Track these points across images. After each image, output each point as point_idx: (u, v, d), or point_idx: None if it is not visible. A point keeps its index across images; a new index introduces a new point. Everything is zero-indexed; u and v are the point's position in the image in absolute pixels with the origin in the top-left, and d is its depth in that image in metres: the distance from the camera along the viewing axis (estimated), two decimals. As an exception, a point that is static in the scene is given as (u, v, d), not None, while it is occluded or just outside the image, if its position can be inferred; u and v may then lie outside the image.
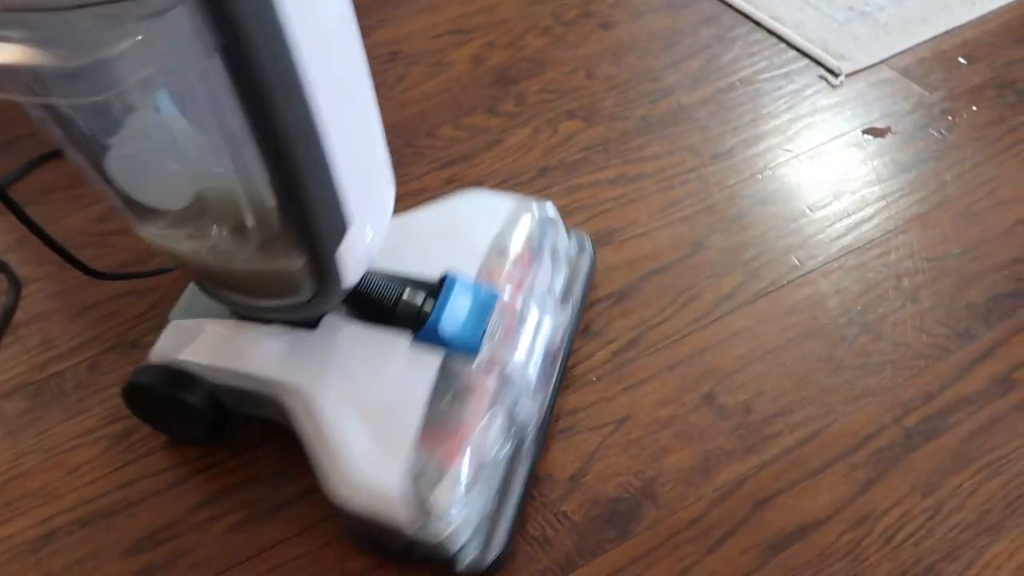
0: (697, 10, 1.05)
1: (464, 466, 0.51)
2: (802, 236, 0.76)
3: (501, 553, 0.54)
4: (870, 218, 0.77)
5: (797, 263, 0.73)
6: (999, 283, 0.70)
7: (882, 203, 0.78)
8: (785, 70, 0.94)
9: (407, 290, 0.57)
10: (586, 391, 0.65)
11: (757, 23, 1.02)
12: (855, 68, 0.94)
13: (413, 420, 0.52)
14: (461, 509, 0.51)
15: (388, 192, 0.54)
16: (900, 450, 0.60)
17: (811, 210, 0.78)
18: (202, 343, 0.58)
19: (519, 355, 0.57)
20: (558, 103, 0.92)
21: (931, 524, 0.56)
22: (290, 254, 0.48)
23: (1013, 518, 0.56)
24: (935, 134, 0.85)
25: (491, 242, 0.61)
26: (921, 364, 0.65)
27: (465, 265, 0.59)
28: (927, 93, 0.89)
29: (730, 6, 1.05)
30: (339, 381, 0.54)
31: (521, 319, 0.59)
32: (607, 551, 0.56)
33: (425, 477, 0.50)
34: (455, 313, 0.56)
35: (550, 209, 0.67)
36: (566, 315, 0.64)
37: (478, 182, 0.83)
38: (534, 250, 0.63)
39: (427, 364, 0.54)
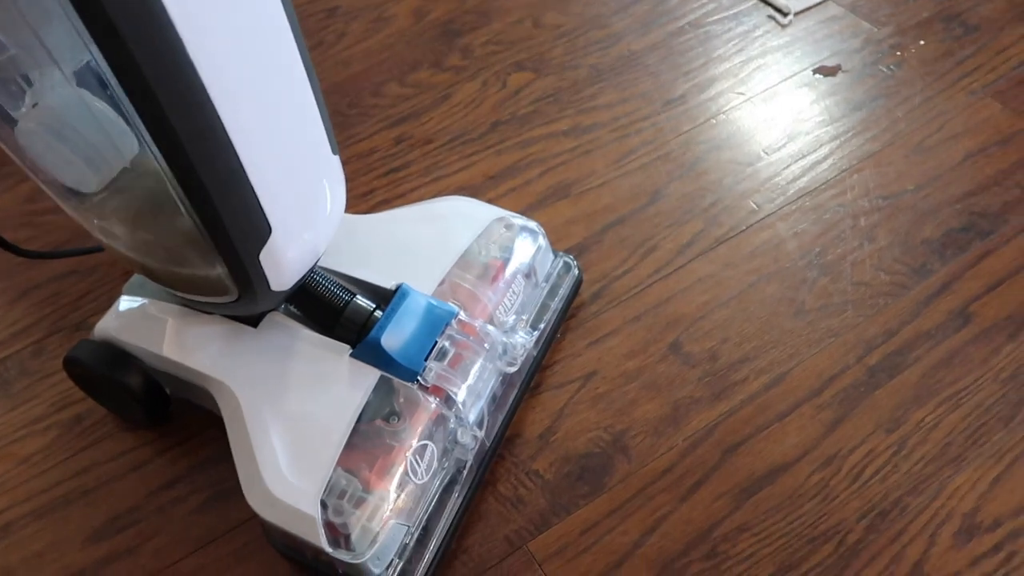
0: (643, -48, 1.02)
1: (389, 491, 0.49)
2: (759, 180, 0.75)
3: None
4: (824, 158, 0.77)
5: (755, 207, 0.73)
6: (953, 217, 0.71)
7: (835, 143, 0.78)
8: (734, 11, 0.93)
9: (356, 298, 0.54)
10: (551, 348, 0.64)
11: (704, -36, 1.00)
12: (803, 6, 0.93)
13: (336, 438, 0.48)
14: (381, 535, 0.48)
15: (334, 191, 0.49)
16: (864, 388, 0.61)
17: (766, 153, 0.78)
18: (143, 325, 0.56)
19: (469, 380, 0.53)
20: (506, 55, 0.89)
21: (896, 459, 0.57)
22: (207, 257, 0.45)
23: (974, 448, 0.57)
24: (884, 70, 0.84)
25: (461, 254, 0.58)
26: (880, 302, 0.66)
27: (427, 276, 0.56)
28: (875, 29, 0.89)
29: (676, -53, 1.02)
30: (268, 386, 0.51)
31: (479, 341, 0.54)
32: (581, 507, 0.56)
33: (345, 498, 0.48)
34: (401, 328, 0.52)
35: (533, 225, 0.63)
36: (532, 339, 0.58)
37: (427, 140, 0.81)
38: (507, 267, 0.60)
39: (362, 380, 0.51)
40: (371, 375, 0.51)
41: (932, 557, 0.53)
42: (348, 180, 0.77)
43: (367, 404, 0.50)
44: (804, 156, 0.77)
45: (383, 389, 0.51)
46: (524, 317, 0.60)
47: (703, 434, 0.59)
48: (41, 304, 0.69)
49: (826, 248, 0.70)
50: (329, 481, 0.47)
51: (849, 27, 0.90)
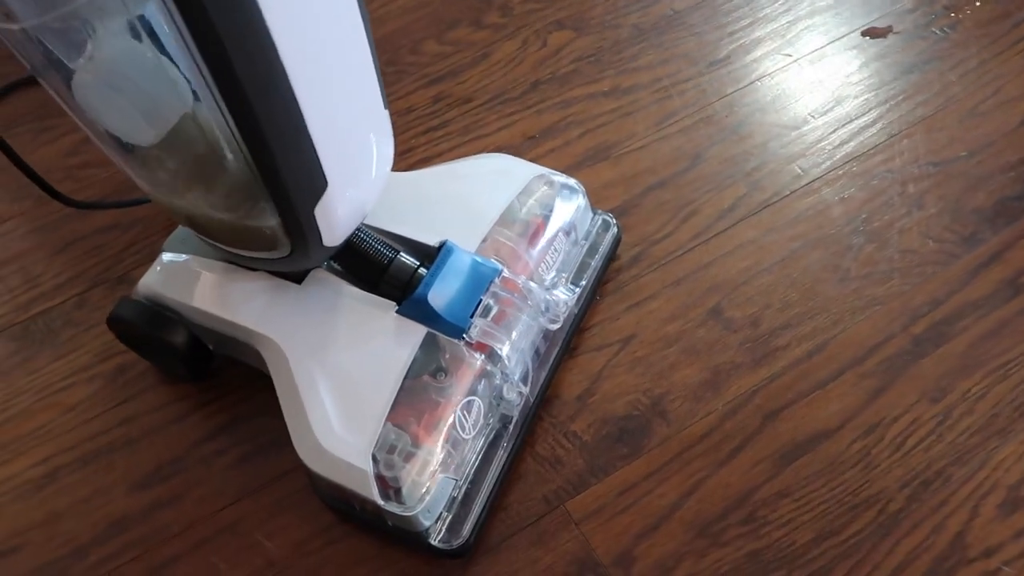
0: (688, -92, 0.99)
1: (437, 446, 0.49)
2: (804, 144, 0.74)
3: (470, 536, 0.52)
4: (873, 123, 0.75)
5: (800, 172, 0.72)
6: (1006, 185, 0.69)
7: (885, 107, 0.76)
8: (782, -30, 0.90)
9: (400, 255, 0.54)
10: (590, 311, 0.64)
11: (751, -79, 0.97)
12: (854, -34, 0.90)
13: (386, 393, 0.49)
14: (431, 488, 0.49)
15: (384, 150, 0.50)
16: (909, 358, 0.60)
17: (813, 117, 0.76)
18: (186, 283, 0.56)
19: (513, 336, 0.53)
20: (545, 12, 0.88)
21: (941, 430, 0.56)
22: (263, 210, 0.45)
23: (1021, 421, 0.56)
24: (937, 32, 0.82)
25: (502, 211, 0.58)
26: (928, 271, 0.64)
27: (470, 233, 0.56)
28: (929, -10, 0.86)
29: (722, -97, 0.99)
30: (315, 342, 0.52)
31: (522, 298, 0.54)
32: (619, 468, 0.56)
33: (395, 453, 0.48)
34: (447, 285, 0.52)
35: (573, 183, 0.62)
36: (574, 296, 0.59)
37: (466, 99, 0.80)
38: (548, 225, 0.60)
39: (409, 336, 0.51)
40: (418, 331, 0.51)
41: (975, 528, 0.52)
42: (387, 138, 0.77)
43: (414, 360, 0.50)
44: (852, 120, 0.75)
45: (429, 345, 0.51)
46: (565, 275, 0.60)
47: (743, 400, 0.59)
48: (84, 256, 0.70)
49: (873, 214, 0.68)
50: (380, 436, 0.48)
51: (901, -13, 0.87)
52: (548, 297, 0.56)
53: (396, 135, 0.76)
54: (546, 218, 0.60)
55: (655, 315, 0.63)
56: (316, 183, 0.43)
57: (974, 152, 0.71)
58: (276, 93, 0.37)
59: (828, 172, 0.71)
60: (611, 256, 0.65)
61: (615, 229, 0.65)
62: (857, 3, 0.86)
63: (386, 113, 0.49)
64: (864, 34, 0.83)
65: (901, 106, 0.76)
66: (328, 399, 0.49)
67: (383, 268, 0.53)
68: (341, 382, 0.50)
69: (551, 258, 0.59)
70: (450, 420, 0.50)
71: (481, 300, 0.52)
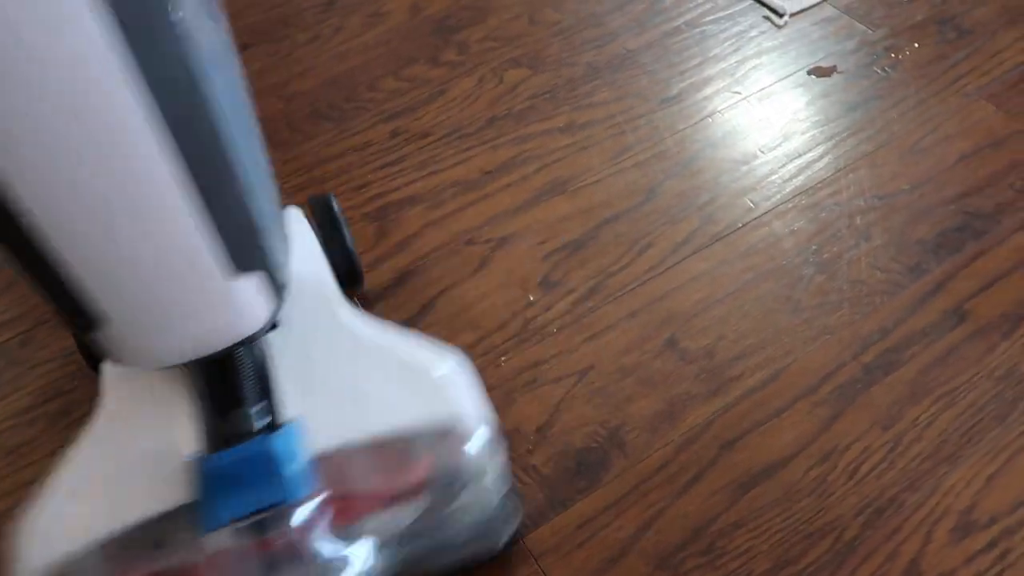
0: (639, -48, 1.02)
1: None
2: (754, 178, 0.75)
3: None
4: (820, 158, 0.77)
5: (751, 205, 0.73)
6: (947, 217, 0.71)
7: (831, 143, 0.78)
8: (729, 11, 0.93)
9: (258, 406, 0.45)
10: (548, 343, 0.64)
11: (699, -36, 1.00)
12: (799, 7, 0.93)
13: (101, 530, 0.43)
14: None
15: (236, 296, 0.39)
16: (860, 386, 0.61)
17: (762, 152, 0.78)
18: None
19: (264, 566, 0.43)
20: (502, 51, 0.89)
21: (892, 456, 0.57)
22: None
23: (969, 446, 0.57)
24: (879, 72, 0.85)
25: (384, 433, 0.46)
26: (876, 301, 0.66)
27: (331, 431, 0.45)
28: (870, 31, 0.89)
29: (672, -52, 1.03)
30: (90, 446, 0.46)
31: (293, 549, 0.43)
32: (577, 501, 0.56)
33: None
34: (239, 469, 0.42)
35: (497, 460, 0.48)
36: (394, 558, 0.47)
37: (423, 135, 0.80)
38: (424, 484, 0.46)
39: (167, 491, 0.43)
40: (178, 494, 0.43)
41: (928, 554, 0.53)
42: (344, 173, 0.77)
43: (152, 520, 0.43)
44: (800, 155, 0.77)
45: (175, 517, 0.43)
46: (400, 548, 0.47)
47: (699, 430, 0.59)
48: (28, 294, 0.68)
49: (822, 246, 0.70)
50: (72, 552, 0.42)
51: (844, 29, 0.90)
52: (334, 556, 0.44)
53: (353, 169, 0.77)
54: (430, 476, 0.46)
55: (612, 346, 0.64)
56: (84, 316, 0.36)
57: (916, 186, 0.74)
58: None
59: (778, 205, 0.73)
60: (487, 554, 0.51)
61: (516, 524, 0.51)
62: (803, 43, 0.89)
63: (264, 227, 0.40)
64: (810, 73, 0.86)
65: (846, 142, 0.78)
66: (65, 498, 0.44)
67: (224, 409, 0.45)
68: (81, 492, 0.44)
69: (393, 521, 0.46)
70: None
71: (255, 513, 0.42)
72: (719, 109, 0.82)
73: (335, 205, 0.62)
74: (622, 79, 0.86)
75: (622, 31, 0.91)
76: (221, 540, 0.42)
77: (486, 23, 0.93)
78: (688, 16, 0.93)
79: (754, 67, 0.87)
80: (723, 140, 0.79)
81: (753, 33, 0.91)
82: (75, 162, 0.30)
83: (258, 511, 0.42)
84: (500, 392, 0.61)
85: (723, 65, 0.87)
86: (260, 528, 0.43)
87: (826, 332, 0.64)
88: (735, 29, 0.91)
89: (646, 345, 0.64)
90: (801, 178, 0.75)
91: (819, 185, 0.74)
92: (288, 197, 0.75)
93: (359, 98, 0.84)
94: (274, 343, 0.47)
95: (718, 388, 0.61)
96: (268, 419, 0.45)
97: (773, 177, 0.75)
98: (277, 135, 0.81)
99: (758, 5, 0.94)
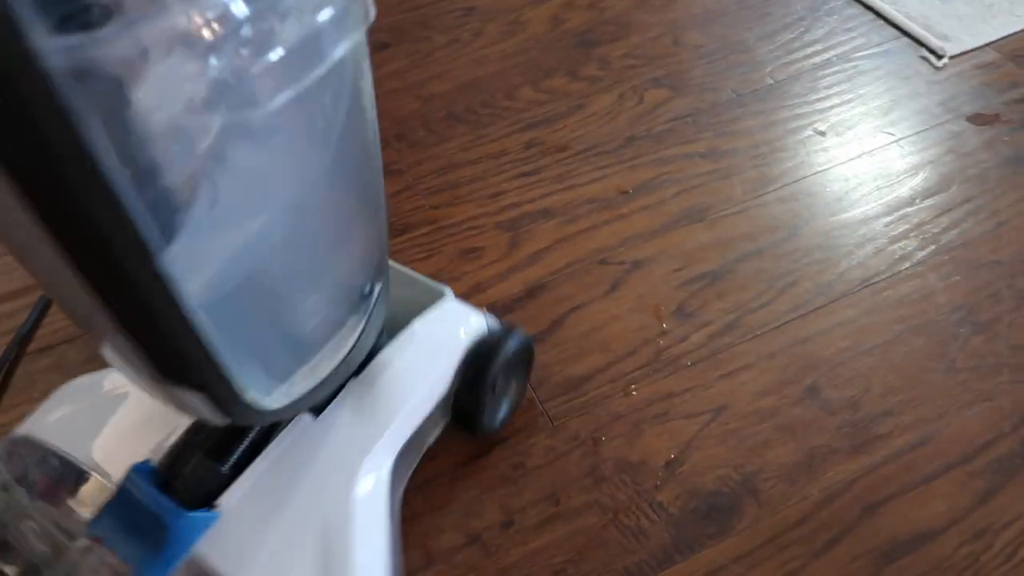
0: (789, -20, 0.99)
1: None
2: (908, 225, 0.71)
3: None
4: (979, 210, 0.72)
5: (903, 253, 0.69)
6: (1124, 288, 0.66)
7: (991, 195, 0.73)
8: (884, 48, 0.89)
9: (198, 458, 0.43)
10: (681, 375, 0.61)
11: (853, -3, 0.96)
12: (959, 50, 0.88)
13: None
14: None
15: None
16: (1020, 460, 0.56)
17: (917, 198, 0.73)
18: None
19: None
20: (643, 70, 0.87)
21: (1056, 542, 0.52)
22: None
23: None
24: (1047, 125, 0.79)
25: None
26: (1040, 369, 0.61)
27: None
28: (1039, 81, 0.84)
29: (824, -22, 0.99)
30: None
31: None
32: (707, 547, 0.53)
33: None
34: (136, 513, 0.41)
35: None
36: None
37: (560, 148, 0.79)
38: None
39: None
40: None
41: (1094, 656, 0.48)
42: (478, 180, 0.76)
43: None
44: (958, 206, 0.73)
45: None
46: None
47: (840, 487, 0.55)
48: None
49: (980, 305, 0.65)
50: None
51: (1008, 76, 0.85)
52: None
53: (488, 176, 0.76)
54: None
55: (748, 387, 0.61)
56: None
57: (1090, 250, 0.68)
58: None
59: (933, 256, 0.69)
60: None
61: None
62: (963, 88, 0.84)
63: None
64: (970, 120, 0.81)
65: (1008, 196, 0.73)
66: None
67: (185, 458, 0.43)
68: None
69: None
70: None
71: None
72: (870, 149, 0.78)
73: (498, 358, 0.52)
74: (768, 108, 0.82)
75: (770, 60, 0.88)
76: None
77: (628, 40, 0.91)
78: (840, 50, 0.89)
79: (909, 109, 0.82)
80: (874, 182, 0.75)
81: (908, 73, 0.86)
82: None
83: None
84: (627, 421, 0.59)
85: (875, 103, 0.83)
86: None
87: (983, 398, 0.59)
88: (889, 67, 0.87)
89: (785, 390, 0.60)
90: (958, 230, 0.71)
91: (978, 240, 0.70)
92: (423, 198, 0.74)
93: (496, 105, 0.84)
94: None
95: (862, 445, 0.57)
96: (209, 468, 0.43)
97: (928, 226, 0.71)
98: (413, 134, 0.81)
99: (915, 44, 0.89)
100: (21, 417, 0.59)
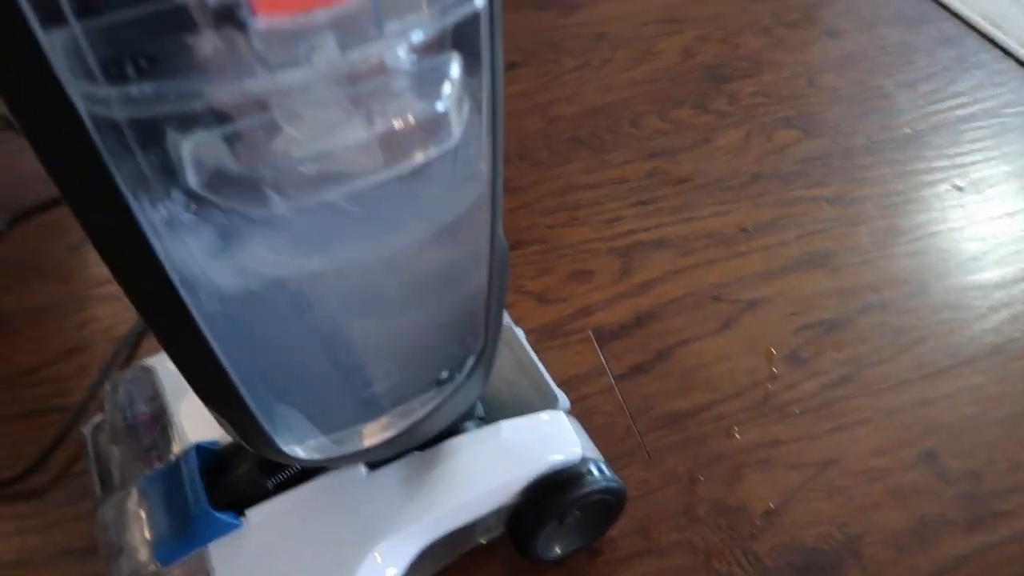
0: (936, 29, 0.95)
1: None
2: (1050, 293, 0.67)
3: None
4: None
5: (1044, 323, 0.65)
6: None
7: None
8: (1037, 106, 0.84)
9: (250, 463, 0.44)
10: (789, 423, 0.59)
11: (1005, 51, 0.92)
12: (1122, 115, 0.83)
13: None
14: None
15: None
16: None
17: (1062, 266, 0.69)
18: None
19: None
20: (774, 109, 0.85)
21: None
22: None
23: None
24: None
25: None
26: None
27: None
28: None
29: (974, 28, 0.95)
30: None
31: None
32: (802, 606, 0.50)
33: None
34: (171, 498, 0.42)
35: None
36: None
37: (682, 179, 0.78)
38: None
39: None
40: None
41: None
42: (597, 204, 0.76)
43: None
44: (1110, 278, 0.68)
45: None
46: None
47: (953, 562, 0.52)
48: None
49: None
50: None
51: None
52: None
53: (607, 201, 0.76)
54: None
55: (861, 444, 0.58)
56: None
57: None
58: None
59: (1077, 329, 0.64)
60: None
61: None
62: (1123, 154, 0.79)
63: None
64: None
65: None
66: None
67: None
68: None
69: None
70: None
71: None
72: (1013, 211, 0.74)
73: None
74: (904, 158, 0.79)
75: (910, 108, 0.85)
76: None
77: (760, 78, 0.89)
78: (986, 104, 0.85)
79: (1061, 171, 0.77)
80: (1014, 244, 0.71)
81: (1063, 134, 0.81)
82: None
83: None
84: (728, 464, 0.57)
85: (1022, 163, 0.79)
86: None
87: (1125, 487, 0.55)
88: (1042, 126, 0.82)
89: (901, 451, 0.57)
90: (1108, 304, 0.66)
91: None
92: (539, 216, 0.75)
93: (620, 131, 0.83)
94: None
95: (982, 520, 0.54)
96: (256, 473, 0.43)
97: (1074, 296, 0.66)
98: (535, 153, 0.81)
99: (1073, 104, 0.84)
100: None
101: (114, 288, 0.68)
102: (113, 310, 0.67)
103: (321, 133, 0.23)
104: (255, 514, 0.42)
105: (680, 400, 0.61)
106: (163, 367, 0.50)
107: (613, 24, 0.98)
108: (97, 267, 0.71)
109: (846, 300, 0.67)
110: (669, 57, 0.93)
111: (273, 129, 0.23)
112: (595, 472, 0.47)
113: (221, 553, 0.41)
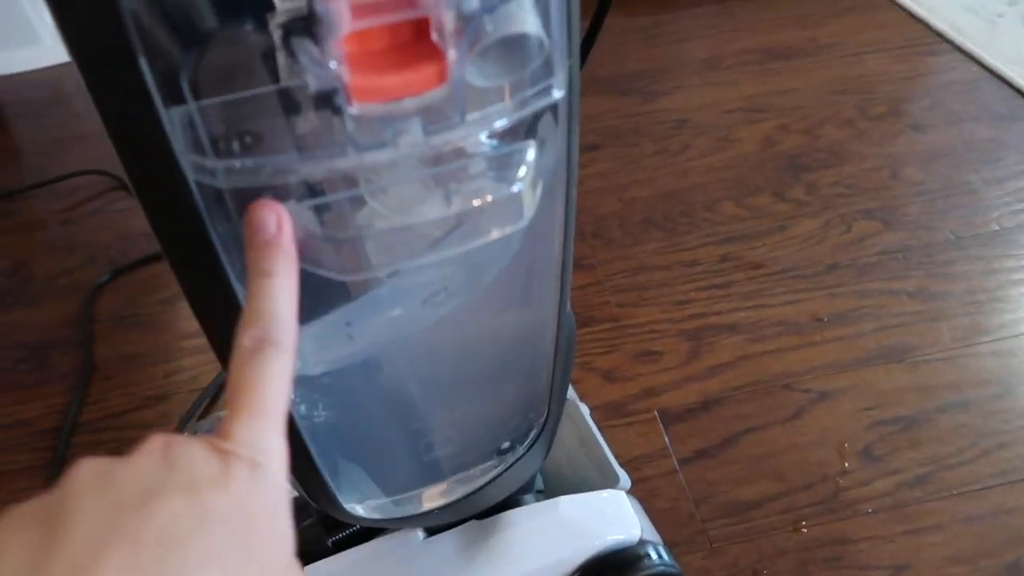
0: (1027, 127, 0.94)
1: None
2: None
3: None
4: None
5: None
6: None
7: None
8: None
9: (312, 522, 0.45)
10: (859, 522, 0.57)
11: (1102, 151, 0.89)
12: None
13: None
14: None
15: None
16: None
17: None
18: None
19: None
20: (854, 200, 0.85)
21: None
22: None
23: None
24: None
25: None
26: None
27: None
28: None
29: (1068, 128, 0.93)
30: None
31: None
32: None
33: None
34: None
35: None
36: None
37: (756, 265, 0.78)
38: None
39: None
40: None
41: None
42: (666, 286, 0.76)
43: None
44: None
45: None
46: None
47: None
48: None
49: None
50: None
51: None
52: None
53: (677, 283, 0.76)
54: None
55: (938, 550, 0.55)
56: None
57: None
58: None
59: None
60: None
61: None
62: None
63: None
64: None
65: None
66: None
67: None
68: None
69: None
70: None
71: None
72: (1109, 314, 0.71)
73: None
74: (990, 255, 0.77)
75: (997, 205, 0.83)
76: None
77: (841, 168, 0.89)
78: (1081, 204, 0.82)
79: None
80: (1110, 350, 0.68)
81: None
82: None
83: None
84: (794, 559, 0.55)
85: (1120, 266, 0.76)
86: None
87: None
88: None
89: (982, 561, 0.54)
90: None
91: None
92: (610, 295, 0.75)
93: (695, 216, 0.84)
94: None
95: (1070, 644, 0.50)
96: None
97: None
98: (608, 233, 0.83)
99: None
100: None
101: (201, 341, 0.72)
102: (198, 362, 0.71)
103: (403, 208, 0.25)
104: (314, 571, 0.43)
105: (746, 489, 0.59)
106: None
107: (695, 112, 0.99)
108: (187, 321, 0.75)
109: (925, 398, 0.65)
110: (748, 145, 0.94)
111: (359, 202, 0.25)
112: (653, 555, 0.46)
113: None
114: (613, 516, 0.47)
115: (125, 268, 0.80)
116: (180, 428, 0.64)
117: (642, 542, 0.46)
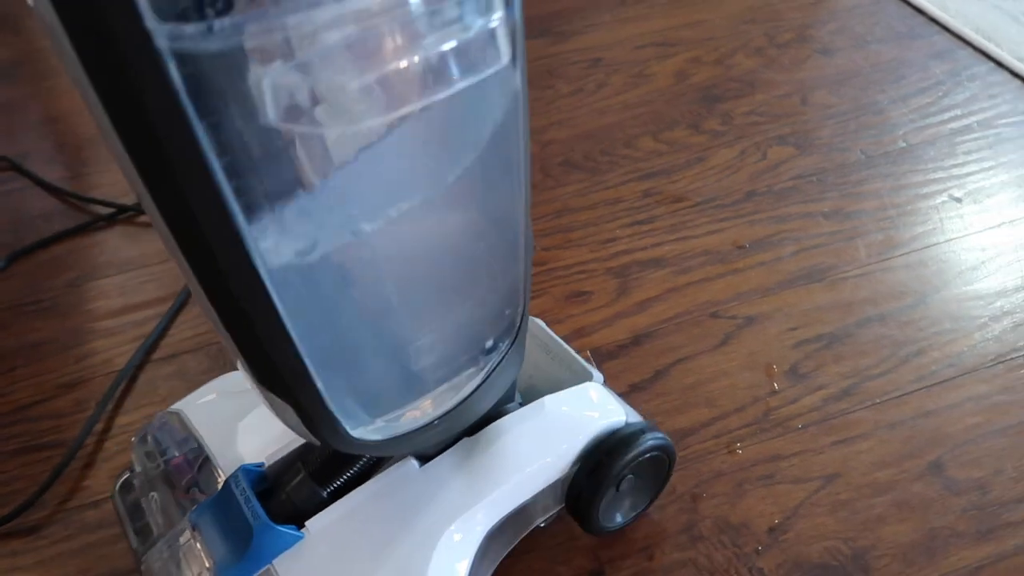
0: (928, 44, 0.96)
1: None
2: (1052, 301, 0.66)
3: None
4: None
5: (1046, 330, 0.64)
6: None
7: None
8: (1031, 117, 0.84)
9: (303, 476, 0.44)
10: (790, 438, 0.58)
11: (999, 63, 0.92)
12: (1118, 122, 0.83)
13: None
14: None
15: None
16: None
17: (1063, 273, 0.68)
18: None
19: None
20: (768, 127, 0.86)
21: None
22: None
23: None
24: None
25: None
26: None
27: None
28: None
29: (967, 42, 0.96)
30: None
31: None
32: (809, 623, 0.49)
33: None
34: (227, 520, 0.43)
35: None
36: None
37: (677, 199, 0.78)
38: None
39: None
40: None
41: None
42: (591, 225, 0.76)
43: None
44: (1112, 284, 0.67)
45: None
46: None
47: (963, 574, 0.51)
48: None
49: None
50: None
51: None
52: None
53: (602, 223, 0.76)
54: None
55: (864, 457, 0.57)
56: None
57: None
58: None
59: (1080, 336, 0.63)
60: None
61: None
62: (1120, 161, 0.78)
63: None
64: None
65: None
66: None
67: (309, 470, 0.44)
68: None
69: None
70: None
71: None
72: (1011, 219, 0.74)
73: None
74: (899, 172, 0.79)
75: (904, 123, 0.85)
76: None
77: (753, 97, 0.90)
78: (981, 115, 0.85)
79: (1058, 179, 0.77)
80: (1014, 253, 0.70)
81: (1058, 143, 0.81)
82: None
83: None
84: (730, 480, 0.56)
85: (1019, 172, 0.78)
86: None
87: None
88: (1037, 136, 0.82)
89: (906, 464, 0.56)
90: (1112, 310, 0.65)
91: None
92: (536, 239, 0.75)
93: (615, 153, 0.84)
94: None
95: (991, 531, 0.53)
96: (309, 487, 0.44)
97: (1076, 303, 0.66)
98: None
99: (1067, 113, 0.84)
100: (143, 418, 0.62)
101: (113, 322, 0.69)
102: (111, 343, 0.67)
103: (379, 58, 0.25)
104: (315, 524, 0.42)
105: (680, 418, 0.60)
106: (192, 408, 0.51)
107: (608, 50, 0.98)
108: (96, 302, 0.71)
109: (845, 314, 0.66)
110: (662, 80, 0.93)
111: (339, 55, 0.24)
112: (646, 432, 0.47)
113: (288, 567, 0.41)
114: (598, 404, 0.49)
115: (21, 252, 0.75)
116: (98, 414, 0.61)
117: (629, 424, 0.48)
